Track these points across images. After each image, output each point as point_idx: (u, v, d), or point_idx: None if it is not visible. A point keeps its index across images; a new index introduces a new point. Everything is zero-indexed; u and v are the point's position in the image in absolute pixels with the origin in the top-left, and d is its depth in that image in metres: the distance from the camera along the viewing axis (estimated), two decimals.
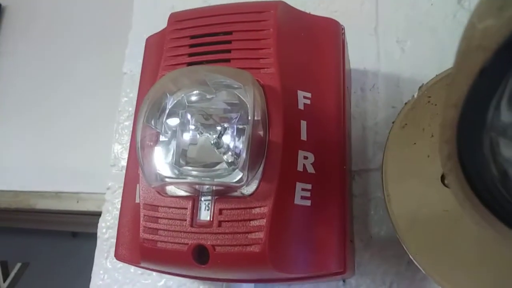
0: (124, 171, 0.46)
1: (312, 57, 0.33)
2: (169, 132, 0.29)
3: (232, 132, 0.27)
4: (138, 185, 0.33)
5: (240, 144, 0.27)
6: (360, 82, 0.43)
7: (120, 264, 0.44)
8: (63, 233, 0.99)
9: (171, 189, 0.29)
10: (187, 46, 0.33)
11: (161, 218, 0.29)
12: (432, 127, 0.31)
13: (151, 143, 0.29)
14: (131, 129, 0.49)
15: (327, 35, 0.34)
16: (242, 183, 0.26)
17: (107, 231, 0.46)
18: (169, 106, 0.29)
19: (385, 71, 0.43)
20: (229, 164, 0.27)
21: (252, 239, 0.27)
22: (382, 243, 0.38)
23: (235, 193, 0.28)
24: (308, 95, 0.31)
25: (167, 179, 0.28)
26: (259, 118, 0.27)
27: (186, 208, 0.29)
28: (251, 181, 0.28)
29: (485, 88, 0.12)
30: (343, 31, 0.35)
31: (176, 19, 0.34)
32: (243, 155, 0.26)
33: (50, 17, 0.85)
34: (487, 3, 0.11)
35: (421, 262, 0.29)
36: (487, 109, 0.13)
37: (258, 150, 0.27)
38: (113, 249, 0.44)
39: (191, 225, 0.28)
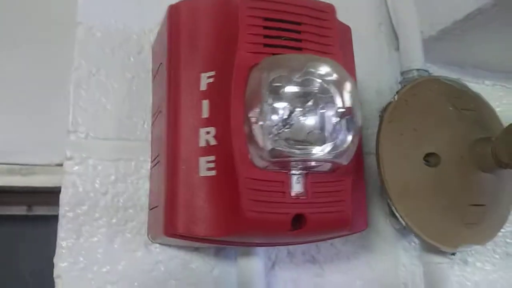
0: (89, 140, 0.41)
1: (345, 55, 0.39)
2: (276, 112, 0.30)
3: (333, 117, 0.32)
4: (200, 158, 0.33)
5: (340, 127, 0.32)
6: None
7: (100, 243, 0.39)
8: None
9: (263, 164, 0.31)
10: (262, 27, 0.34)
11: (261, 190, 0.31)
12: (413, 123, 0.43)
13: (259, 122, 0.30)
14: (95, 92, 0.42)
15: (347, 37, 0.41)
16: (347, 162, 0.32)
17: (74, 207, 0.39)
18: (273, 88, 0.31)
19: None
20: (332, 144, 0.31)
21: (339, 207, 0.33)
22: None
23: (318, 169, 0.33)
24: None
25: (281, 157, 0.30)
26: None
27: (283, 182, 0.31)
28: None
29: None
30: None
31: None
32: (349, 138, 0.31)
33: None
34: None
35: (408, 221, 0.41)
36: None
37: None
38: (86, 227, 0.39)
39: (290, 197, 0.31)
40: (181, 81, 0.34)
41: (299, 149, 0.31)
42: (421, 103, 0.44)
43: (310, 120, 0.31)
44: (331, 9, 0.37)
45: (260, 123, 0.30)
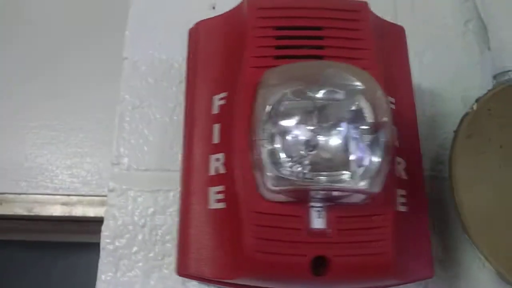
0: (131, 171, 0.41)
1: (390, 60, 0.33)
2: (285, 133, 0.26)
3: (356, 136, 0.26)
4: (209, 188, 0.29)
5: (367, 147, 0.25)
6: None
7: (137, 278, 0.38)
8: None
9: (273, 196, 0.26)
10: (273, 37, 0.30)
11: (272, 227, 0.26)
12: (500, 137, 0.33)
13: (268, 145, 0.26)
14: (138, 124, 0.42)
15: (398, 39, 0.34)
16: (374, 189, 0.25)
17: (113, 240, 0.39)
18: (284, 106, 0.26)
19: None
20: (356, 169, 0.25)
21: (376, 248, 0.26)
22: None
23: (347, 200, 0.27)
24: (393, 100, 0.31)
25: (295, 185, 0.25)
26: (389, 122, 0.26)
27: (300, 216, 0.26)
28: None
29: None
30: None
31: (258, 6, 0.30)
32: (377, 159, 0.25)
33: None
34: None
35: (491, 261, 0.31)
36: None
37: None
38: (124, 261, 0.38)
39: (308, 234, 0.26)
40: (195, 106, 0.32)
41: (315, 176, 0.25)
42: (508, 113, 0.34)
43: (329, 141, 0.25)
44: (362, 7, 0.31)
45: (267, 146, 0.26)
